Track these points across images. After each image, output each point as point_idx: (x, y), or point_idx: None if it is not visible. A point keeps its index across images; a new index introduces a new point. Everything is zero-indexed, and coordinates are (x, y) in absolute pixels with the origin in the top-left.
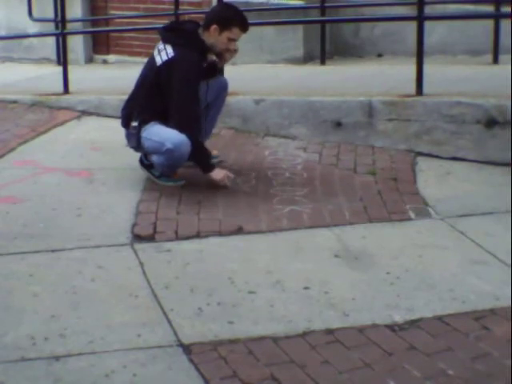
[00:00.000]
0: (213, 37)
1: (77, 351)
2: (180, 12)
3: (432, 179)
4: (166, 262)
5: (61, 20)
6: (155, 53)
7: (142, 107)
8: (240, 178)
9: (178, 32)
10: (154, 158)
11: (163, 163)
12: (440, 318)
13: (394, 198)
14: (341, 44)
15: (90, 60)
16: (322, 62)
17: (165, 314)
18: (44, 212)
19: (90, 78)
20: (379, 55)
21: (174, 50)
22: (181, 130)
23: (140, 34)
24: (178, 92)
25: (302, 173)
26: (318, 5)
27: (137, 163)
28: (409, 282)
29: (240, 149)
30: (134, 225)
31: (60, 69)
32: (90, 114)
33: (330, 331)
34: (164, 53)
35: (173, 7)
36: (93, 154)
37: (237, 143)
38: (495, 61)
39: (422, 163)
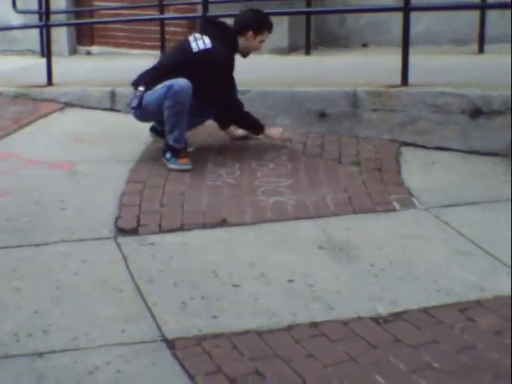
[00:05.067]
0: (248, 41)
1: (60, 347)
2: (165, 3)
3: (416, 169)
4: (149, 255)
5: (45, 12)
6: (191, 39)
7: (155, 78)
8: (224, 169)
9: (219, 28)
10: (164, 111)
11: (171, 110)
12: (425, 310)
13: (378, 189)
14: (326, 34)
15: (73, 51)
16: (307, 53)
17: (148, 308)
18: (27, 206)
19: (74, 69)
20: (364, 45)
21: (211, 42)
22: (229, 108)
23: (124, 25)
24: (225, 84)
25: (287, 164)
26: None
27: (121, 154)
28: (393, 274)
29: (224, 139)
30: (118, 218)
31: (44, 60)
32: (73, 105)
33: (314, 324)
34: (201, 42)
35: None
36: (76, 147)
37: (221, 134)
38: (480, 50)
39: (407, 153)
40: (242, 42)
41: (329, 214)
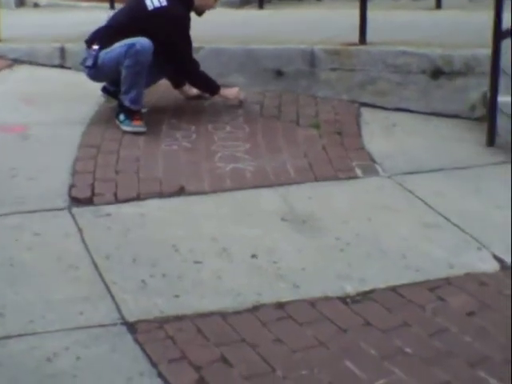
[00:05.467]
0: (204, 0)
1: (16, 332)
2: None
3: (377, 132)
4: (105, 228)
5: None
6: None
7: (110, 37)
8: (179, 132)
9: None
10: (122, 71)
11: (130, 69)
12: (394, 289)
13: (339, 154)
14: None
15: (20, 3)
16: (260, 6)
17: (107, 287)
18: None
19: (22, 23)
20: None
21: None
22: (185, 67)
23: None
24: (182, 43)
25: (244, 126)
26: None
27: (73, 116)
28: (359, 249)
29: (178, 99)
30: (72, 186)
31: None
32: (22, 62)
33: (280, 305)
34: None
35: None
36: (27, 108)
37: (174, 93)
38: (438, 5)
39: (367, 115)
40: (197, 0)
41: (290, 182)
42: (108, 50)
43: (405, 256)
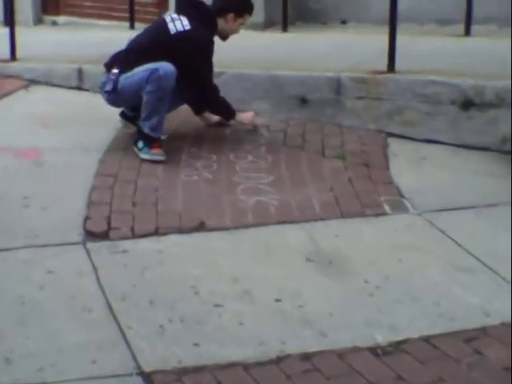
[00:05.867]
0: (228, 24)
1: (24, 381)
2: None
3: (406, 165)
4: (122, 265)
5: None
6: (167, 19)
7: (131, 60)
8: (200, 161)
9: (198, 8)
10: (143, 96)
11: (152, 95)
12: (427, 339)
13: (366, 188)
14: (303, 9)
15: (39, 21)
16: (284, 29)
17: (122, 332)
18: None
19: (39, 41)
20: (343, 22)
21: (189, 23)
22: (206, 93)
23: None
24: (204, 68)
25: (267, 156)
26: None
27: (89, 142)
28: (389, 293)
29: (198, 126)
30: (87, 218)
31: (7, 30)
32: (38, 82)
33: (306, 356)
34: (179, 23)
35: None
36: (42, 131)
37: (195, 120)
38: (467, 32)
39: (394, 146)
40: (221, 24)
41: (315, 218)
42: (128, 74)
43: (437, 302)
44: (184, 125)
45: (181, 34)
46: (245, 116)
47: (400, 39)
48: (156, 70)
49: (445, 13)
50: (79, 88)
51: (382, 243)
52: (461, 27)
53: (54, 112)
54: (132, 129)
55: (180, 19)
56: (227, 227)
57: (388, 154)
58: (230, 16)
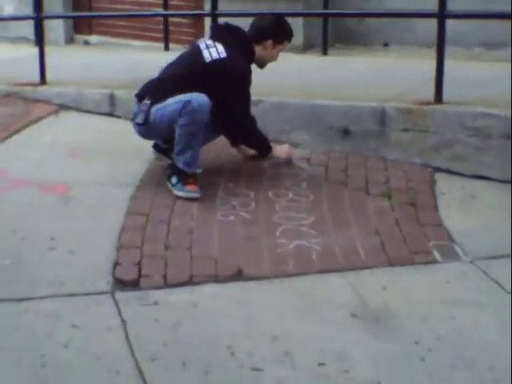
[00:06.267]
0: (267, 51)
1: None
2: None
3: (455, 204)
4: (152, 320)
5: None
6: (202, 46)
7: (163, 91)
8: (237, 199)
9: (234, 34)
10: (176, 129)
11: (185, 129)
12: None
13: (414, 231)
14: (343, 31)
15: (70, 40)
16: (324, 52)
17: None
18: (11, 243)
19: (70, 63)
20: (385, 44)
21: (225, 50)
22: (242, 125)
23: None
24: (241, 98)
25: (308, 193)
26: None
27: (120, 175)
28: (442, 357)
29: (235, 158)
30: (116, 264)
31: (38, 50)
32: (68, 108)
33: None
34: (214, 50)
35: None
36: (71, 163)
37: (232, 152)
38: None
39: (442, 182)
40: (258, 50)
41: (360, 266)
42: (160, 105)
43: (493, 367)
44: (220, 157)
45: (216, 63)
46: (280, 150)
47: (446, 64)
48: (189, 101)
49: (492, 36)
50: (111, 114)
51: (433, 297)
52: (509, 51)
53: (83, 141)
54: (165, 161)
55: (215, 46)
56: (266, 276)
57: (436, 192)
58: (269, 43)
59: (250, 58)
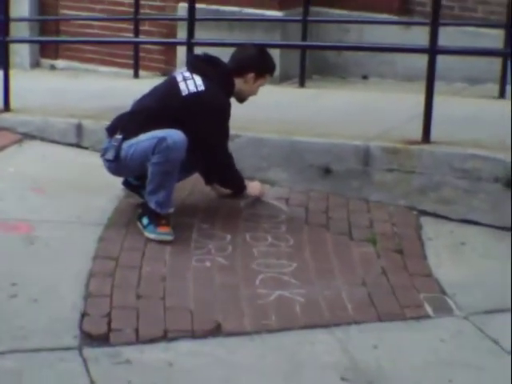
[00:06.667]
0: (248, 84)
1: None
2: (141, 17)
3: (444, 252)
4: (125, 381)
5: (3, 23)
6: (178, 78)
7: (136, 125)
8: (212, 242)
9: (214, 66)
10: (148, 167)
11: (159, 167)
12: None
13: (403, 282)
14: (321, 62)
15: (36, 64)
16: (301, 84)
17: None
18: None
19: (36, 89)
20: (364, 77)
21: (203, 83)
22: (218, 162)
23: (93, 38)
24: (218, 134)
25: (287, 237)
26: (298, 18)
27: (88, 214)
28: None
29: (209, 197)
30: (83, 315)
31: (2, 74)
32: (33, 137)
33: None
34: (192, 83)
35: (132, 10)
36: (35, 198)
37: (205, 190)
38: (502, 94)
39: (429, 227)
40: (239, 84)
41: (348, 321)
42: (133, 141)
43: None
44: (193, 194)
45: (193, 96)
46: (252, 187)
47: None
48: (164, 138)
49: (475, 71)
50: (77, 145)
51: (428, 357)
52: (492, 87)
53: (48, 174)
54: (136, 199)
55: (193, 78)
56: (247, 332)
57: (422, 237)
58: (251, 76)
59: (230, 91)
